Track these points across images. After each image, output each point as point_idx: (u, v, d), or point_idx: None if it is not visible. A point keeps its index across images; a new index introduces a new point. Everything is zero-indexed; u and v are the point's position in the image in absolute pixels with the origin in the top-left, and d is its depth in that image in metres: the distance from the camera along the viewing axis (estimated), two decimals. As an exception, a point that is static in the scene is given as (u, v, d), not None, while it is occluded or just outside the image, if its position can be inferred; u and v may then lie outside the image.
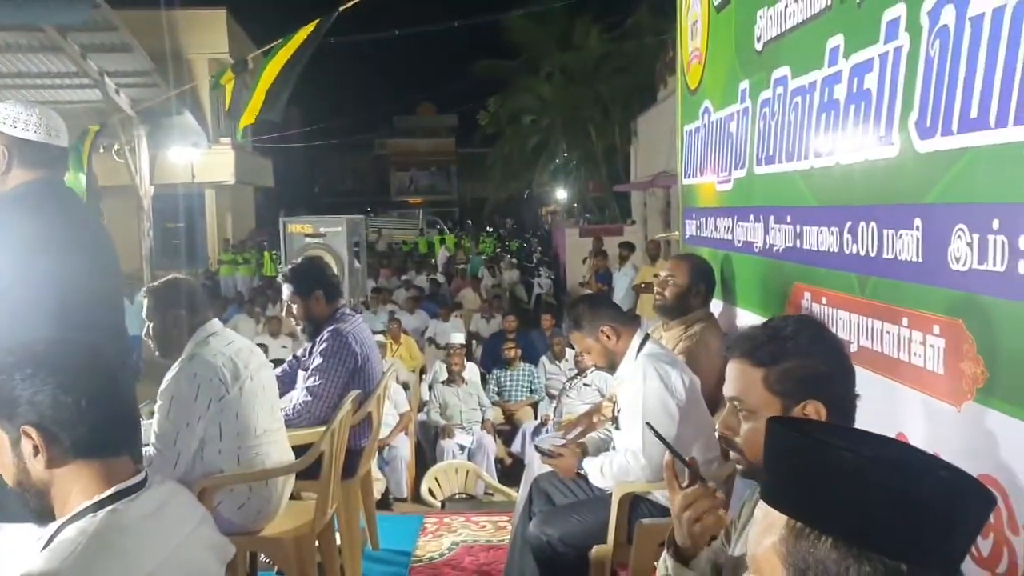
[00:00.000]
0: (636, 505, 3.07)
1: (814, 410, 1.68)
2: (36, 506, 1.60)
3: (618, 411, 3.21)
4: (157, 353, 3.24)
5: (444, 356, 8.81)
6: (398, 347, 9.62)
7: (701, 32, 4.10)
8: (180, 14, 23.14)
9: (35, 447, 1.54)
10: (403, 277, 17.73)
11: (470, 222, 39.50)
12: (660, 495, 3.05)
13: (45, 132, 2.60)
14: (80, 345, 1.65)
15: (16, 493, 1.63)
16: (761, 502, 0.99)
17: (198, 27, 23.85)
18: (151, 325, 3.21)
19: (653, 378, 3.01)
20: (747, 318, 3.50)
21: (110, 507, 1.54)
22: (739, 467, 1.77)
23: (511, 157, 31.84)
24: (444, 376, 8.38)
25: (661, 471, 2.96)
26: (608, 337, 3.18)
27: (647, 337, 3.22)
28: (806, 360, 1.71)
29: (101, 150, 18.22)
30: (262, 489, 3.16)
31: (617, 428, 3.22)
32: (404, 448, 7.25)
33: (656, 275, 8.90)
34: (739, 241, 3.54)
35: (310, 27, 5.22)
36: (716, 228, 3.89)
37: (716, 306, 3.86)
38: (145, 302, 3.26)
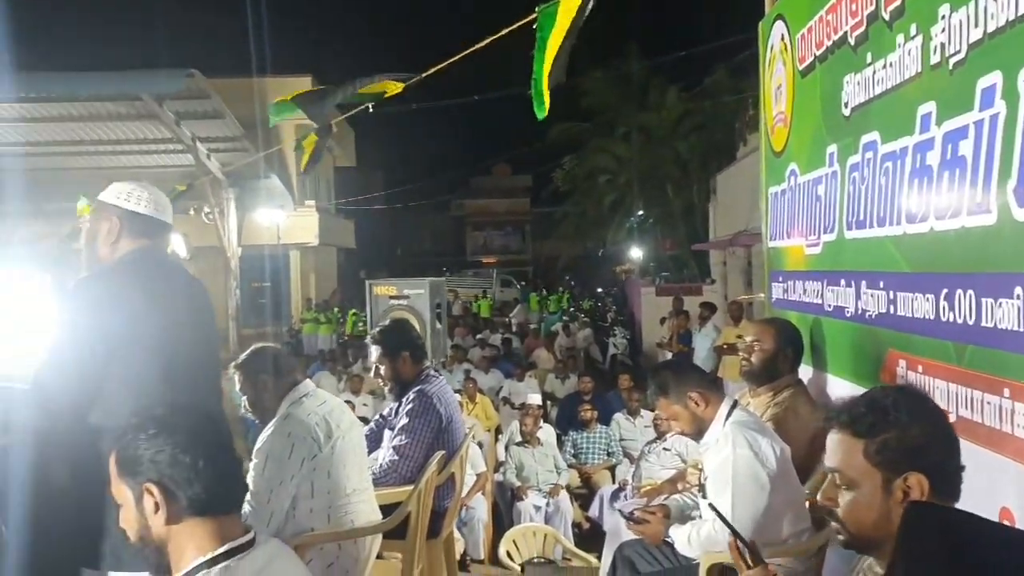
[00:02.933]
0: (724, 575, 3.01)
1: (916, 482, 1.65)
2: (155, 561, 1.67)
3: (705, 479, 3.17)
4: (257, 421, 3.35)
5: (520, 416, 8.81)
6: (474, 406, 9.65)
7: (786, 96, 4.11)
8: (267, 81, 24.11)
9: (155, 504, 1.63)
10: (478, 336, 17.85)
11: (521, 283, 39.26)
12: (750, 565, 2.99)
13: (153, 208, 2.77)
14: (196, 409, 1.74)
15: (136, 548, 1.71)
16: None
17: (284, 93, 24.69)
18: (245, 398, 3.33)
19: (743, 446, 2.97)
20: (838, 385, 3.44)
21: (223, 564, 1.61)
22: (840, 538, 1.75)
23: (585, 215, 32.01)
24: (519, 437, 8.37)
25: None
26: (696, 403, 3.15)
27: (735, 404, 3.18)
28: (907, 431, 1.69)
29: (191, 212, 19.00)
30: (351, 548, 3.20)
31: (704, 496, 3.18)
32: (481, 509, 7.24)
33: (740, 337, 8.79)
34: (829, 306, 3.50)
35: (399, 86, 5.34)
36: (805, 292, 3.85)
37: (805, 372, 3.80)
38: (235, 377, 3.38)
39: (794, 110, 4.01)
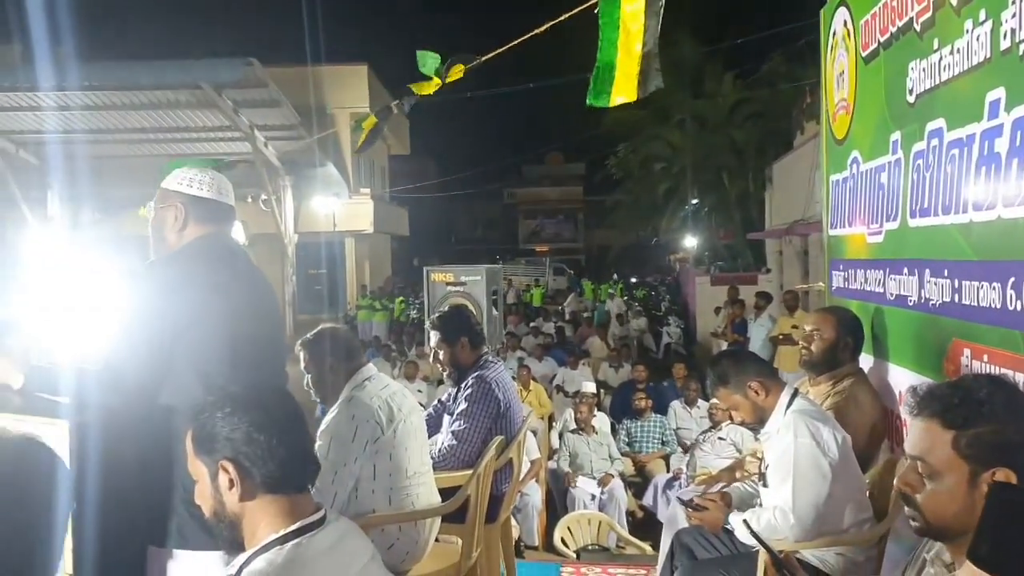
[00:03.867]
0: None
1: (1004, 477, 1.61)
2: (228, 536, 1.72)
3: (765, 467, 3.16)
4: (318, 401, 3.42)
5: (574, 404, 8.84)
6: (528, 394, 9.68)
7: (848, 83, 4.06)
8: (324, 70, 24.32)
9: (230, 481, 1.68)
10: (531, 324, 17.88)
11: (570, 272, 38.77)
12: (809, 554, 2.98)
13: (216, 191, 2.80)
14: (271, 389, 1.79)
15: (203, 525, 1.77)
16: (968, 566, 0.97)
17: (341, 82, 24.99)
18: (310, 376, 3.39)
19: (804, 435, 2.95)
20: (900, 374, 3.40)
21: (294, 541, 1.66)
22: (914, 524, 1.73)
23: (639, 202, 31.79)
24: (574, 424, 8.39)
25: (811, 531, 2.92)
26: (757, 393, 3.13)
27: (796, 392, 3.16)
28: (1001, 426, 1.64)
29: (249, 200, 19.33)
30: (411, 530, 3.26)
31: (764, 485, 3.17)
32: (536, 496, 7.28)
33: (795, 327, 8.69)
34: (891, 294, 3.46)
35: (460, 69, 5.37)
36: (866, 280, 3.81)
37: (866, 361, 3.76)
38: (301, 355, 3.44)
39: (857, 97, 3.95)
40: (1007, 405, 1.67)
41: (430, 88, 5.53)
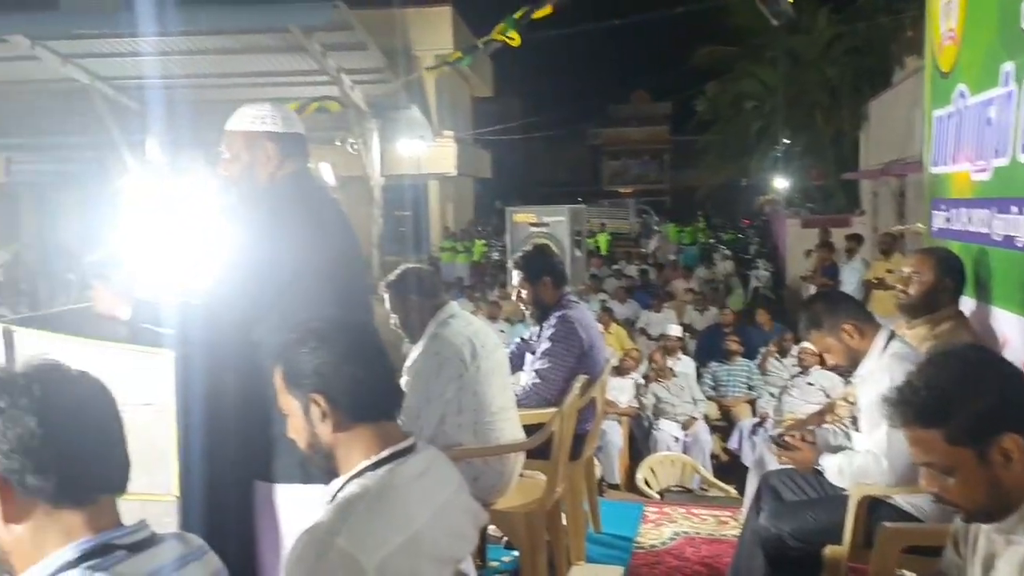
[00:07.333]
0: (875, 508, 2.94)
1: (1012, 443, 1.59)
2: (324, 466, 1.79)
3: (858, 411, 3.09)
4: (407, 340, 3.46)
5: (651, 351, 8.81)
6: (609, 336, 9.66)
7: (956, 12, 3.84)
8: (408, 12, 24.21)
9: (322, 413, 1.73)
10: (614, 266, 17.76)
11: (646, 214, 37.62)
12: (901, 500, 2.92)
13: (295, 124, 2.73)
14: (352, 322, 1.83)
15: (308, 456, 1.82)
16: None
17: (424, 24, 24.87)
18: (396, 317, 3.44)
19: (901, 379, 2.86)
20: (1005, 318, 3.26)
21: (387, 466, 1.71)
22: (960, 516, 1.75)
23: (728, 143, 31.00)
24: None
25: (904, 476, 2.85)
26: (850, 336, 3.03)
27: (892, 335, 3.06)
28: (976, 404, 1.62)
29: (337, 143, 19.54)
30: (496, 464, 3.31)
31: (856, 429, 3.10)
32: (616, 435, 7.34)
33: (890, 271, 8.41)
34: (998, 235, 3.30)
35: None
36: (970, 220, 3.64)
37: (966, 304, 3.62)
38: (385, 295, 3.48)
39: (966, 27, 3.74)
40: (974, 379, 1.64)
41: (515, 40, 5.50)
